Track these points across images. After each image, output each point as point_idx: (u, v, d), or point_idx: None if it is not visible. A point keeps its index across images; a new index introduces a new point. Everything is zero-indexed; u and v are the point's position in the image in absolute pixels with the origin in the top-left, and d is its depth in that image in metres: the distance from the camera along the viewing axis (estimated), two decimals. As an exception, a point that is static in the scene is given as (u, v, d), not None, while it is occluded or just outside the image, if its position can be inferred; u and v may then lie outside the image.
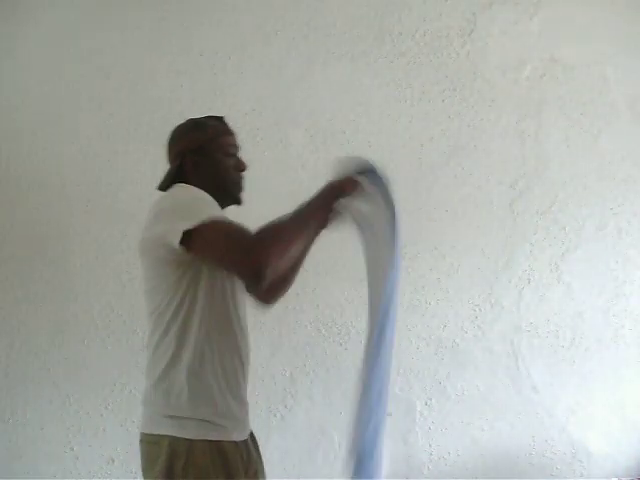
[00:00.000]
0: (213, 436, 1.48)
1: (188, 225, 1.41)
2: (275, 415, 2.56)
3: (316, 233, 1.61)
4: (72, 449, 2.57)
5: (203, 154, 1.64)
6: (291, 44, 2.75)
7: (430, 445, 2.66)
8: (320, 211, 1.56)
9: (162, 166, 2.56)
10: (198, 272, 1.50)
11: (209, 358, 1.51)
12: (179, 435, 1.46)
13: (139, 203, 2.63)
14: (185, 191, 1.56)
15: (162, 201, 1.56)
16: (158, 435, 1.48)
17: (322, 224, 1.60)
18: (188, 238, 1.41)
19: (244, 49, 2.74)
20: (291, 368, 2.62)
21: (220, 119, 1.71)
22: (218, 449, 1.48)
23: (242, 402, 1.60)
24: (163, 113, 2.66)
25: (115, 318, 2.60)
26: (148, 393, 1.54)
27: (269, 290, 1.72)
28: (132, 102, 2.69)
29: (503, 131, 2.77)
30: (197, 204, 1.49)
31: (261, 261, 1.40)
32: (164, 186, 1.66)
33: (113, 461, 2.58)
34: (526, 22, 2.81)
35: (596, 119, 2.79)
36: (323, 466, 2.61)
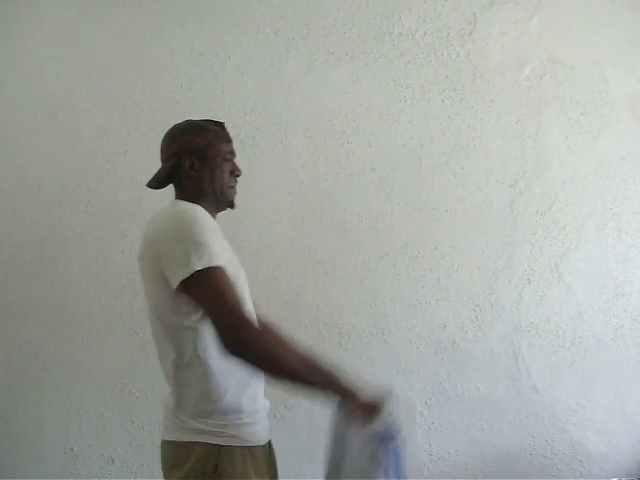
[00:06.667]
0: (243, 442, 1.50)
1: (187, 272, 1.41)
2: (275, 415, 2.56)
3: (312, 387, 1.51)
4: (72, 449, 2.57)
5: (202, 157, 1.63)
6: (291, 44, 2.75)
7: (430, 445, 2.66)
8: (327, 384, 1.50)
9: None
10: None
11: (230, 369, 1.50)
12: (210, 442, 1.47)
13: (139, 203, 2.64)
14: (188, 220, 1.50)
15: (165, 223, 1.53)
16: (188, 442, 1.49)
17: (323, 389, 1.51)
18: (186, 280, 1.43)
19: (244, 49, 2.74)
20: (291, 368, 2.62)
21: (221, 125, 1.70)
22: (249, 453, 1.50)
23: (265, 405, 1.62)
24: (163, 113, 2.66)
25: (115, 318, 2.60)
26: (173, 402, 1.54)
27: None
28: (132, 102, 2.69)
29: (503, 131, 2.77)
30: (199, 241, 1.44)
31: (241, 349, 1.40)
32: (154, 184, 1.67)
33: (113, 461, 2.58)
34: (526, 22, 2.81)
35: (596, 119, 2.79)
36: (323, 466, 2.61)
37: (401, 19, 2.79)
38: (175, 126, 1.70)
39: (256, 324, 1.45)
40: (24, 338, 2.60)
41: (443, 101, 2.76)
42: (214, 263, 1.44)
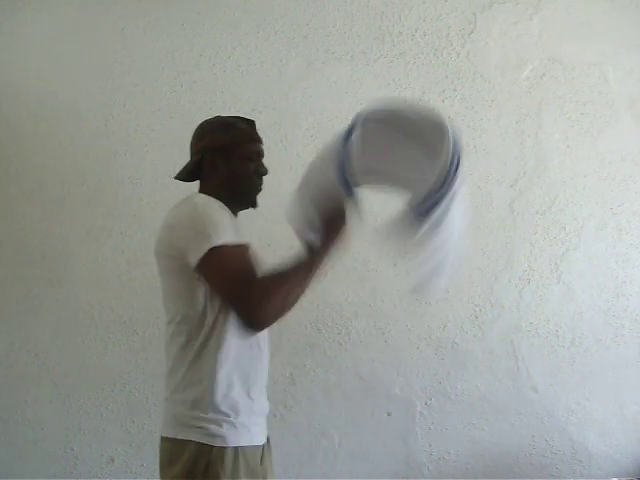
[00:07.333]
0: (237, 442, 1.50)
1: (206, 247, 1.44)
2: (275, 415, 2.55)
3: (326, 261, 1.58)
4: (72, 449, 2.57)
5: (224, 156, 1.64)
6: (291, 44, 2.75)
7: (430, 445, 2.66)
8: (327, 251, 1.56)
9: (162, 166, 2.56)
10: None
11: (232, 367, 1.51)
12: (204, 441, 1.48)
13: (139, 203, 2.64)
14: (205, 206, 1.53)
15: (182, 211, 1.55)
16: (183, 440, 1.49)
17: (331, 255, 1.57)
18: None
19: (244, 49, 2.74)
20: (291, 368, 2.62)
21: (250, 123, 1.69)
22: (242, 453, 1.50)
23: (263, 406, 1.61)
24: (163, 113, 2.66)
25: (115, 318, 2.60)
26: (171, 400, 1.54)
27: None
28: (132, 102, 2.69)
29: (503, 131, 2.77)
30: (216, 223, 1.48)
31: (260, 319, 1.44)
32: (181, 177, 1.69)
33: (113, 461, 2.58)
34: (526, 22, 2.81)
35: (596, 119, 2.79)
36: (323, 466, 2.61)
37: (401, 19, 2.79)
38: (204, 122, 1.70)
39: (262, 290, 1.44)
40: (24, 338, 2.60)
41: (443, 101, 2.76)
42: (228, 239, 1.46)
